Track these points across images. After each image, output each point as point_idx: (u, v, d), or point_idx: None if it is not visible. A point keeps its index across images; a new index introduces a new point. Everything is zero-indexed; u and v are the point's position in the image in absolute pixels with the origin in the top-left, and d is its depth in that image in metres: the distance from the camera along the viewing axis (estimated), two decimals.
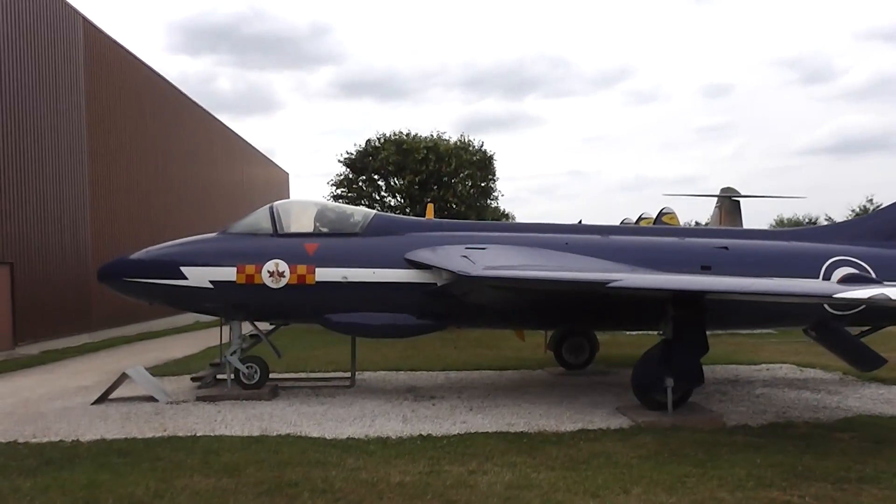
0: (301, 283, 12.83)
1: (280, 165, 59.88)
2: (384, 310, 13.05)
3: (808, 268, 13.46)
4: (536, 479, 8.03)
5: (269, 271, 12.83)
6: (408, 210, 28.58)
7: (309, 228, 13.47)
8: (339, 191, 29.52)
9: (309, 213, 13.69)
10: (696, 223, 36.66)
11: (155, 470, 8.37)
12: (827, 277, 13.43)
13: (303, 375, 15.53)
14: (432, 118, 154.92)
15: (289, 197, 60.70)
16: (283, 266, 12.84)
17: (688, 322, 11.11)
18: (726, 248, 13.69)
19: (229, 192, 42.40)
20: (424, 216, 20.62)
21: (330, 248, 13.10)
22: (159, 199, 31.98)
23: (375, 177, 29.46)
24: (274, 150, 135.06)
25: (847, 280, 10.26)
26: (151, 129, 31.73)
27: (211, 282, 12.84)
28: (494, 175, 30.83)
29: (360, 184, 29.54)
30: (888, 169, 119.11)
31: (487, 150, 30.43)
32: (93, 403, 12.71)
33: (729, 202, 26.85)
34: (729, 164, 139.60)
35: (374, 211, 14.50)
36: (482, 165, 30.24)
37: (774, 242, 14.47)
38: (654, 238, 14.32)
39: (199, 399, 12.99)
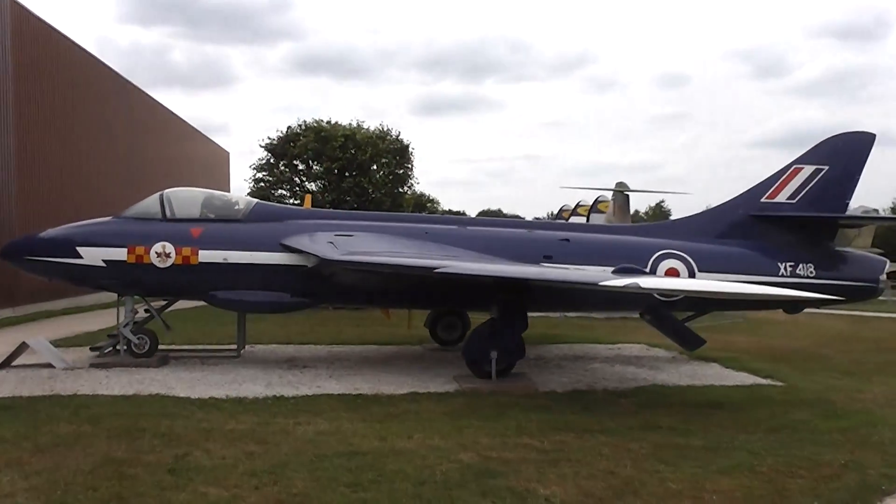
0: (186, 264, 14.43)
1: (220, 144, 60.70)
2: (262, 288, 14.69)
3: (638, 259, 15.39)
4: (345, 427, 9.81)
5: (156, 252, 14.39)
6: (326, 195, 30.15)
7: (195, 214, 15.04)
8: (260, 175, 30.93)
9: (196, 201, 15.27)
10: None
11: (28, 420, 9.94)
12: (654, 269, 15.44)
13: (194, 347, 17.05)
14: (389, 98, 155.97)
15: (228, 176, 61.92)
16: (169, 248, 14.42)
17: (510, 303, 13.01)
18: (568, 240, 15.59)
19: (163, 171, 43.32)
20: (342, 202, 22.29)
21: (213, 233, 14.69)
22: (89, 176, 32.87)
23: (296, 162, 30.89)
24: (228, 126, 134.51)
25: (620, 271, 12.21)
26: (82, 106, 32.46)
27: (104, 261, 14.36)
28: (411, 164, 32.49)
29: (282, 168, 30.93)
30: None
31: (404, 140, 32.07)
32: None
33: (621, 196, 28.96)
34: (683, 153, 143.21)
35: (256, 200, 16.05)
36: (399, 154, 31.85)
37: (612, 236, 16.44)
38: (504, 230, 16.19)
39: (92, 366, 14.52)
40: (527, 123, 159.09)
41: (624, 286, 10.52)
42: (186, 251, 14.46)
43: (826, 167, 16.65)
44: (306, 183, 30.88)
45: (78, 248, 14.36)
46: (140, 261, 14.38)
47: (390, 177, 31.86)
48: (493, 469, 8.00)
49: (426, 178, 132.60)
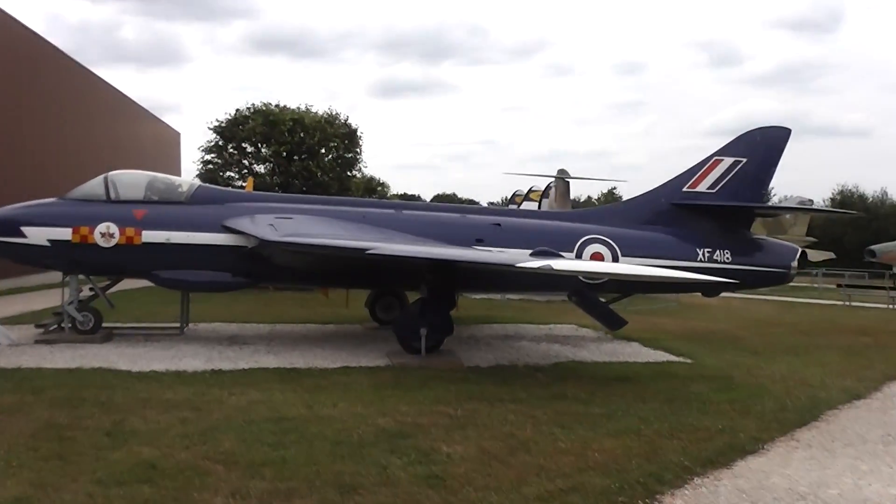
0: (129, 244, 14.97)
1: (171, 125, 60.46)
2: (204, 268, 15.29)
3: (565, 243, 16.33)
4: (276, 397, 10.53)
5: (100, 232, 14.90)
6: (274, 178, 30.65)
7: (139, 196, 15.56)
8: (208, 157, 31.28)
9: (140, 183, 15.79)
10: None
11: None
12: (580, 252, 16.39)
13: (138, 325, 17.57)
14: (347, 80, 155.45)
15: (179, 157, 61.76)
16: (113, 228, 14.94)
17: (437, 284, 13.83)
18: (499, 224, 16.43)
19: (111, 152, 43.20)
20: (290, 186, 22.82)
21: (156, 214, 15.24)
22: (34, 158, 32.83)
23: (245, 145, 31.29)
24: (181, 106, 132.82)
25: (538, 253, 13.10)
26: (21, 86, 32.34)
27: (48, 240, 14.84)
28: (360, 148, 33.10)
29: (231, 151, 31.30)
30: (790, 153, 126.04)
31: (352, 125, 32.66)
32: None
33: (562, 183, 29.96)
34: (639, 140, 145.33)
35: (199, 182, 16.63)
36: (348, 138, 32.43)
37: (541, 221, 17.36)
38: (439, 214, 16.98)
39: (37, 342, 15.01)
40: (485, 108, 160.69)
41: (538, 268, 11.40)
42: (130, 231, 14.99)
43: (744, 159, 17.69)
44: (254, 166, 31.30)
45: (22, 228, 14.80)
46: (84, 240, 14.88)
47: (338, 161, 32.41)
48: (406, 432, 8.81)
49: (385, 160, 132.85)
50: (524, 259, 12.04)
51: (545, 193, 33.66)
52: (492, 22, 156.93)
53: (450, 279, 14.03)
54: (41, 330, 16.21)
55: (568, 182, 30.20)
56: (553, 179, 31.65)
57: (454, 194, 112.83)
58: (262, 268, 15.34)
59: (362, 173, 36.26)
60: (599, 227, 16.98)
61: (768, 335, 19.81)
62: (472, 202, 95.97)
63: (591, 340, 17.71)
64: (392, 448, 8.10)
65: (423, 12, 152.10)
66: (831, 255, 43.06)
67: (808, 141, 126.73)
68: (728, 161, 17.71)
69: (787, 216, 41.36)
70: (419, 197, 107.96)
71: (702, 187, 17.65)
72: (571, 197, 32.58)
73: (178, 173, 50.09)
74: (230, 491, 6.72)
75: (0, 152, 29.93)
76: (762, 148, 17.75)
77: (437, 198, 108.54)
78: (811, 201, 44.42)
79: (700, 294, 18.95)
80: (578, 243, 16.47)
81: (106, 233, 14.92)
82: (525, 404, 10.43)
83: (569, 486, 6.92)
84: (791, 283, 42.55)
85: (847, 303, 32.88)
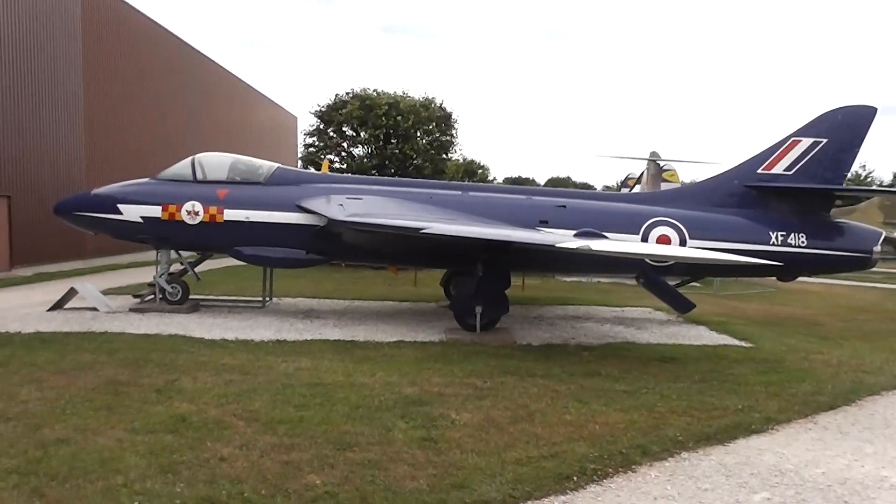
0: (212, 221, 16.09)
1: (287, 109, 62.78)
2: (280, 245, 16.24)
3: (632, 225, 16.43)
4: (323, 366, 11.27)
5: (187, 210, 16.08)
6: (370, 161, 31.69)
7: (222, 177, 16.66)
8: (310, 139, 32.60)
9: (223, 165, 16.89)
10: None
11: (59, 350, 11.75)
12: (647, 234, 16.41)
13: (225, 297, 18.81)
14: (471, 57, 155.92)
15: (296, 140, 64.21)
16: (198, 207, 16.09)
17: (492, 263, 14.24)
18: (564, 206, 16.64)
19: (231, 136, 45.59)
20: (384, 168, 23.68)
21: (237, 194, 16.30)
22: (156, 141, 35.15)
23: (344, 129, 32.43)
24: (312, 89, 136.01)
25: (582, 235, 13.27)
26: (149, 74, 34.68)
27: (141, 217, 16.16)
28: (455, 132, 33.67)
29: (330, 135, 32.52)
30: None
31: (447, 109, 33.25)
32: (48, 311, 16.12)
33: (654, 165, 29.59)
34: None
35: (278, 164, 17.52)
36: (443, 122, 33.05)
37: (607, 203, 17.42)
38: (504, 196, 17.31)
39: (132, 311, 16.39)
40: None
41: (577, 248, 11.66)
42: (213, 210, 16.11)
43: (825, 140, 17.16)
44: (353, 149, 32.40)
45: (119, 206, 16.17)
46: (172, 218, 16.10)
47: (433, 144, 33.08)
48: (426, 400, 9.35)
49: (507, 143, 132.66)
50: (564, 239, 12.30)
51: (639, 179, 33.32)
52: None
53: (503, 259, 14.40)
54: (137, 300, 17.66)
55: (659, 165, 29.81)
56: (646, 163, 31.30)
57: (568, 177, 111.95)
58: (333, 246, 16.14)
59: (462, 156, 36.66)
60: (667, 210, 16.91)
61: (852, 321, 19.18)
62: (586, 186, 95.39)
63: (658, 323, 17.66)
64: (404, 413, 8.65)
65: None
66: None
67: None
68: (807, 142, 17.23)
69: None
70: (532, 181, 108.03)
71: (777, 169, 17.25)
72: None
73: (295, 156, 52.13)
74: (241, 443, 7.44)
75: (122, 138, 32.26)
76: (844, 128, 17.17)
77: (551, 181, 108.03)
78: None
79: (775, 279, 18.49)
80: (645, 225, 16.48)
81: (192, 211, 16.08)
82: (554, 379, 10.76)
83: (550, 454, 7.28)
84: None
85: None
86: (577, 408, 9.15)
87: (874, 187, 33.51)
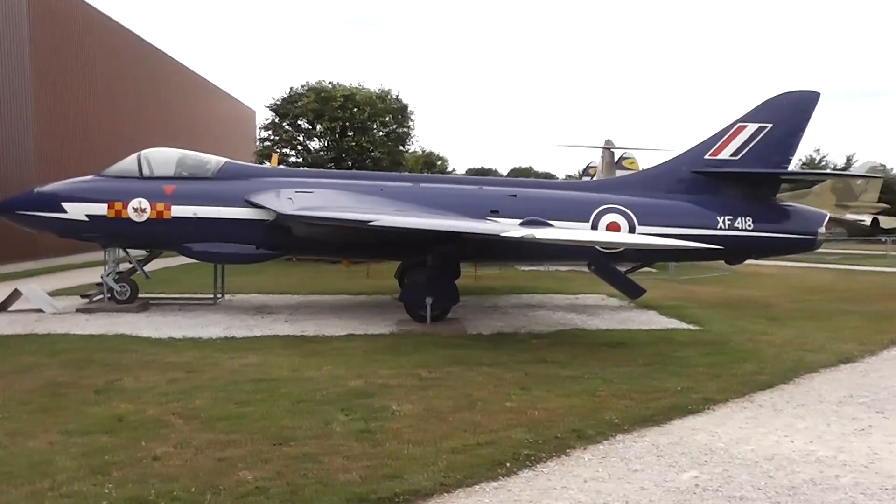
0: (159, 218, 15.91)
1: (246, 103, 62.26)
2: (229, 241, 16.10)
3: (582, 213, 16.56)
4: (270, 361, 11.21)
5: (133, 208, 15.88)
6: (329, 153, 31.54)
7: (169, 173, 16.46)
8: (266, 133, 32.35)
9: (170, 160, 16.70)
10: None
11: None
12: (596, 222, 16.55)
13: (176, 295, 18.62)
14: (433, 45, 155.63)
15: (255, 134, 63.67)
16: (144, 203, 15.89)
17: (442, 254, 14.25)
18: (515, 196, 16.69)
19: (187, 131, 45.09)
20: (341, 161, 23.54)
21: (184, 190, 16.11)
22: (110, 137, 34.61)
23: (300, 122, 32.21)
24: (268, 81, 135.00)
25: (528, 223, 13.35)
26: (101, 69, 34.18)
27: (87, 215, 15.91)
28: (410, 124, 33.61)
29: (286, 128, 32.28)
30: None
31: (403, 101, 33.17)
32: None
33: (608, 153, 29.85)
34: None
35: (226, 159, 17.34)
36: (399, 114, 32.98)
37: (558, 192, 17.53)
38: (455, 186, 17.35)
39: (79, 311, 16.15)
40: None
41: (521, 236, 11.72)
42: (160, 207, 15.92)
43: (770, 125, 17.41)
44: (309, 142, 32.20)
45: (63, 204, 15.91)
46: (119, 215, 15.89)
47: (391, 136, 32.99)
48: (369, 392, 9.33)
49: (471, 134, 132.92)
50: (509, 228, 12.35)
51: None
52: None
53: (453, 250, 14.43)
54: (86, 300, 17.41)
55: (613, 153, 30.07)
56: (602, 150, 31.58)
57: (530, 167, 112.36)
58: (284, 240, 16.04)
59: (421, 148, 36.64)
60: (617, 197, 17.07)
61: (804, 302, 19.51)
62: (549, 175, 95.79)
63: (610, 309, 17.82)
64: (346, 406, 8.63)
65: None
66: None
67: None
68: (752, 127, 17.47)
69: (858, 182, 40.10)
70: (495, 171, 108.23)
71: (724, 154, 17.48)
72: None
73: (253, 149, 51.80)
74: (177, 441, 7.37)
75: (75, 133, 31.73)
76: (788, 113, 17.43)
77: (513, 171, 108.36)
78: (883, 167, 42.73)
79: (723, 262, 18.75)
80: (594, 213, 16.61)
81: (138, 208, 15.89)
82: (501, 367, 10.81)
83: (487, 441, 7.31)
84: (865, 252, 41.53)
85: None
86: (519, 395, 9.20)
87: (819, 171, 34.01)
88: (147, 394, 9.20)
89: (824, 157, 66.46)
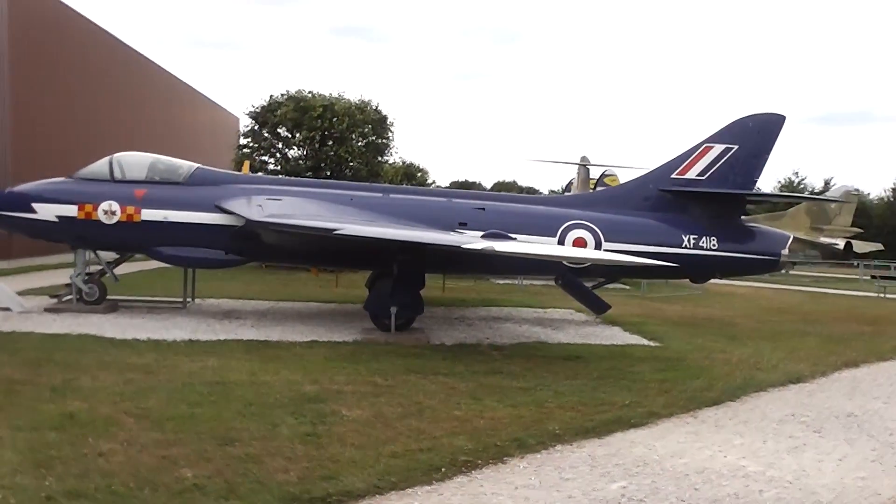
0: (129, 221, 16.00)
1: (229, 110, 62.18)
2: (199, 245, 16.21)
3: (549, 228, 16.80)
4: (229, 365, 11.31)
5: (104, 210, 15.96)
6: (307, 162, 31.68)
7: (140, 177, 16.56)
8: (244, 140, 32.46)
9: (142, 165, 16.81)
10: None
11: None
12: (563, 237, 16.78)
13: (145, 297, 18.68)
14: (419, 62, 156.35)
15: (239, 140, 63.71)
16: (115, 206, 15.98)
17: (407, 264, 14.44)
18: (483, 208, 16.92)
19: (167, 136, 45.05)
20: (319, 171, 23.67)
21: (155, 194, 16.22)
22: (89, 142, 34.52)
23: (280, 130, 32.34)
24: (253, 90, 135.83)
25: (489, 236, 13.58)
26: (81, 74, 34.09)
27: (56, 216, 15.98)
28: (389, 135, 33.84)
29: (266, 136, 32.41)
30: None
31: (383, 111, 33.43)
32: None
33: (584, 170, 30.20)
34: None
35: (198, 165, 17.46)
36: (378, 125, 33.19)
37: (527, 206, 17.78)
38: (424, 198, 17.55)
39: (47, 311, 16.19)
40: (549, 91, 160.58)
41: (481, 249, 11.93)
42: (130, 210, 16.01)
43: (736, 146, 17.74)
44: (288, 151, 32.33)
45: (33, 205, 15.97)
46: (88, 217, 15.96)
47: (370, 146, 33.18)
48: (321, 397, 9.48)
49: (454, 146, 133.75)
50: (470, 241, 12.56)
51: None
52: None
53: (418, 260, 14.62)
54: (55, 300, 17.44)
55: (588, 169, 30.43)
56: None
57: (514, 182, 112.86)
58: (252, 246, 16.17)
59: (401, 160, 36.91)
60: (584, 213, 17.32)
61: (767, 322, 19.83)
62: (532, 190, 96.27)
63: (576, 324, 18.06)
64: (296, 410, 8.78)
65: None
66: (879, 246, 42.12)
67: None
68: (719, 148, 17.79)
69: (832, 206, 40.66)
70: (479, 184, 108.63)
71: (691, 174, 17.78)
72: None
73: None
74: (124, 439, 7.49)
75: (52, 137, 31.65)
76: (754, 135, 17.77)
77: (497, 185, 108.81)
78: (857, 191, 43.33)
79: (688, 280, 19.04)
80: (561, 228, 16.85)
81: (108, 210, 15.97)
82: (456, 377, 10.98)
83: (428, 447, 7.49)
84: (838, 275, 42.04)
85: (883, 294, 32.13)
86: (468, 404, 9.38)
87: (785, 193, 34.60)
88: (101, 393, 9.29)
89: (802, 179, 67.47)
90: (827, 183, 63.67)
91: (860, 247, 41.39)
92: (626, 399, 9.96)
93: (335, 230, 13.65)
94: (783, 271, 31.73)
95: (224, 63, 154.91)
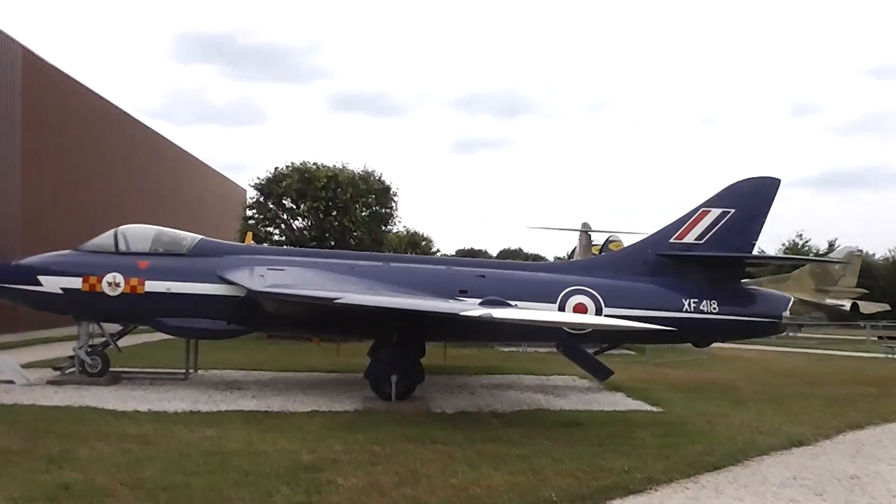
0: (133, 293, 16.15)
1: (237, 182, 63.10)
2: (202, 316, 16.32)
3: (549, 294, 16.87)
4: (228, 435, 11.32)
5: (108, 282, 16.14)
6: (312, 232, 32.01)
7: (144, 249, 16.79)
8: (250, 212, 32.87)
9: (146, 237, 17.06)
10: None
11: None
12: (563, 303, 16.84)
13: (147, 369, 18.71)
14: (423, 135, 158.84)
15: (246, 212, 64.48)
16: (119, 278, 16.16)
17: (406, 332, 14.51)
18: (483, 276, 17.03)
19: (176, 208, 45.66)
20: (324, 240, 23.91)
21: (158, 265, 16.42)
22: (98, 216, 34.98)
23: (284, 201, 32.77)
24: (261, 164, 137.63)
25: (488, 303, 13.67)
26: (93, 150, 34.88)
27: (61, 288, 16.16)
28: (395, 204, 34.28)
29: (271, 206, 32.83)
30: (873, 203, 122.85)
31: (386, 181, 33.90)
32: None
33: (585, 236, 30.46)
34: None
35: (201, 236, 17.71)
36: (382, 195, 33.63)
37: (527, 273, 17.90)
38: (424, 266, 17.70)
39: (49, 383, 16.25)
40: (558, 163, 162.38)
41: (479, 315, 12.01)
42: (134, 281, 16.19)
43: (732, 210, 17.91)
44: (293, 221, 32.69)
45: (39, 277, 16.17)
46: (93, 289, 16.13)
47: (374, 216, 33.54)
48: (318, 466, 9.47)
49: (456, 215, 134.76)
50: (468, 308, 12.65)
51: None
52: (564, 79, 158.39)
53: (417, 328, 14.69)
54: (58, 372, 17.49)
55: (590, 235, 30.69)
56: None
57: (519, 249, 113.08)
58: (255, 316, 16.26)
59: (406, 229, 37.28)
60: (584, 279, 17.41)
61: (771, 385, 19.70)
62: (538, 257, 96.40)
63: (578, 390, 17.98)
64: (291, 479, 8.77)
65: (497, 69, 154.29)
66: (885, 306, 41.97)
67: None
68: (716, 212, 17.95)
69: (836, 267, 40.69)
70: (485, 252, 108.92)
71: (689, 238, 17.91)
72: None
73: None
74: None
75: (64, 211, 32.16)
76: (750, 198, 17.95)
77: (503, 253, 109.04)
78: (860, 252, 43.35)
79: (691, 344, 18.99)
80: (562, 294, 16.92)
81: (112, 282, 16.15)
82: (454, 446, 10.94)
83: None
84: (845, 336, 41.80)
85: (890, 355, 31.88)
86: (465, 472, 9.34)
87: (785, 255, 34.70)
88: (98, 463, 9.31)
89: (807, 242, 67.45)
90: (831, 244, 63.67)
91: (866, 307, 41.29)
92: (625, 465, 9.90)
93: (335, 299, 13.76)
94: (787, 333, 31.67)
95: (236, 138, 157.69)
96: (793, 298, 18.74)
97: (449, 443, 11.11)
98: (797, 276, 42.09)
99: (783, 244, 66.58)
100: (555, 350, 24.84)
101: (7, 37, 28.89)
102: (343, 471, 9.27)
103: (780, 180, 18.30)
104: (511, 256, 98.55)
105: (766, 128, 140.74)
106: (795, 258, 31.78)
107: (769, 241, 71.21)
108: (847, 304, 41.16)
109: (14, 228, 29.04)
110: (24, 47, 29.89)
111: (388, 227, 35.37)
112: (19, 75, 29.31)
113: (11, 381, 16.11)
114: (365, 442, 11.03)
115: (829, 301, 41.27)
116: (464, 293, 16.43)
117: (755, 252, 19.65)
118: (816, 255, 57.88)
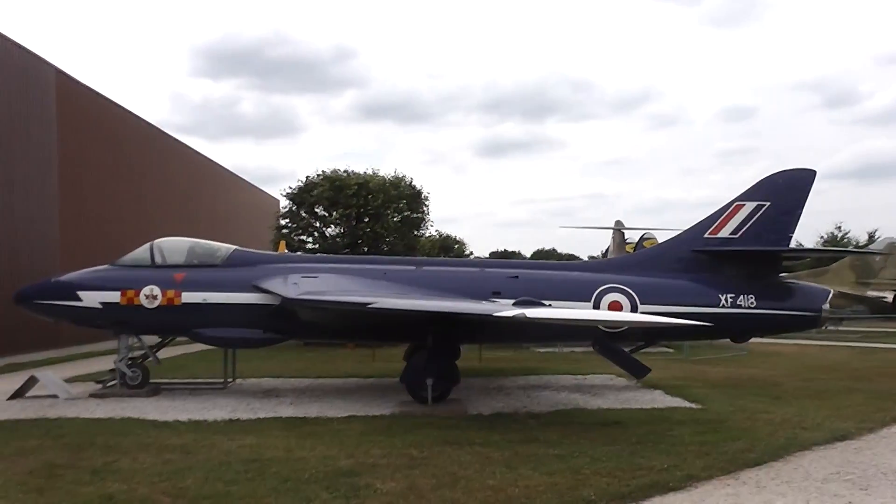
0: (170, 305, 16.37)
1: (270, 193, 63.64)
2: (238, 325, 16.50)
3: (584, 293, 16.79)
4: (267, 443, 11.41)
5: (145, 295, 16.38)
6: (345, 239, 32.21)
7: (180, 261, 17.03)
8: (283, 221, 33.17)
9: (181, 249, 17.29)
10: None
11: (5, 436, 11.88)
12: (598, 301, 16.75)
13: (187, 380, 18.95)
14: (452, 141, 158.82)
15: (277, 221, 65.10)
16: (156, 291, 16.39)
17: (440, 335, 14.52)
18: (517, 277, 17.00)
19: (214, 222, 46.21)
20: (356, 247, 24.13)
21: (194, 277, 16.62)
22: (134, 231, 35.58)
23: (317, 210, 33.01)
24: (294, 174, 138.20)
25: (521, 303, 13.62)
26: (127, 167, 35.48)
27: (100, 303, 16.43)
28: (424, 209, 34.34)
29: (304, 215, 33.10)
30: None
31: (416, 186, 34.00)
32: (8, 399, 16.24)
33: (619, 234, 30.24)
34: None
35: (235, 247, 17.90)
36: (412, 200, 33.73)
37: (560, 272, 17.82)
38: (457, 269, 17.71)
39: (92, 396, 16.52)
40: (590, 162, 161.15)
41: (513, 316, 11.98)
42: (171, 293, 16.41)
43: (767, 203, 17.69)
44: (325, 229, 32.91)
45: (78, 292, 16.46)
46: (131, 302, 16.38)
47: (405, 221, 33.66)
48: (356, 471, 9.51)
49: (489, 219, 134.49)
50: (501, 308, 12.63)
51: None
52: (595, 76, 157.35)
53: (452, 331, 14.70)
54: (100, 385, 17.77)
55: (623, 233, 30.48)
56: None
57: (553, 249, 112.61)
58: (290, 324, 16.40)
59: (438, 232, 37.38)
60: (618, 276, 17.31)
61: (813, 381, 19.34)
62: (572, 257, 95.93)
63: (615, 389, 17.85)
64: (330, 485, 8.82)
65: (525, 70, 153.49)
66: None
67: None
68: (750, 206, 17.75)
69: (877, 258, 39.92)
70: (519, 254, 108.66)
71: (724, 233, 17.72)
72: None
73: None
74: None
75: (100, 225, 32.70)
76: (785, 191, 17.72)
77: (537, 254, 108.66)
78: None
79: (730, 340, 18.77)
80: (596, 292, 16.83)
81: (150, 295, 16.38)
82: (491, 447, 10.92)
83: None
84: (888, 329, 40.97)
85: None
86: (503, 473, 9.32)
87: (823, 248, 34.10)
88: (140, 474, 9.44)
89: (846, 234, 66.32)
90: (871, 235, 62.55)
91: None
92: (665, 463, 9.80)
93: (368, 304, 13.83)
94: (827, 327, 31.14)
95: (264, 149, 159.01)
96: (832, 291, 18.42)
97: (486, 444, 11.09)
98: (837, 269, 41.35)
99: (821, 237, 65.53)
100: (591, 350, 24.81)
101: (40, 59, 29.47)
102: (381, 475, 9.30)
103: (815, 172, 18.05)
104: (545, 257, 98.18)
105: (801, 120, 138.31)
106: (834, 250, 31.23)
107: (807, 234, 70.15)
108: (889, 296, 40.34)
109: (54, 245, 29.57)
110: (56, 69, 30.47)
111: (420, 231, 35.46)
112: (53, 96, 29.87)
113: (55, 396, 16.40)
114: (402, 446, 11.06)
115: (870, 293, 40.50)
116: (497, 294, 16.40)
117: (792, 245, 19.37)
118: (856, 246, 56.92)
